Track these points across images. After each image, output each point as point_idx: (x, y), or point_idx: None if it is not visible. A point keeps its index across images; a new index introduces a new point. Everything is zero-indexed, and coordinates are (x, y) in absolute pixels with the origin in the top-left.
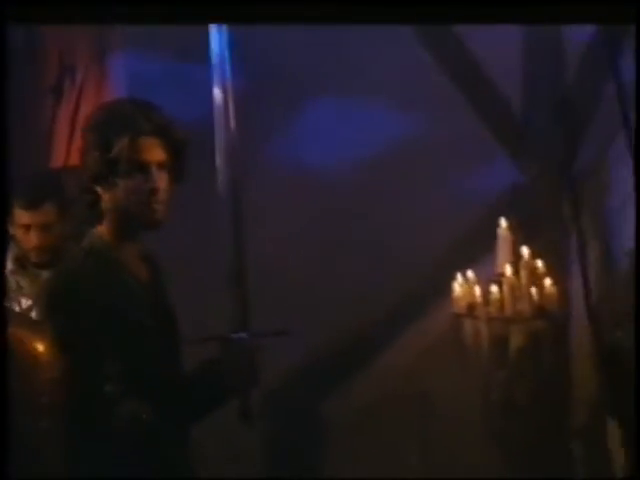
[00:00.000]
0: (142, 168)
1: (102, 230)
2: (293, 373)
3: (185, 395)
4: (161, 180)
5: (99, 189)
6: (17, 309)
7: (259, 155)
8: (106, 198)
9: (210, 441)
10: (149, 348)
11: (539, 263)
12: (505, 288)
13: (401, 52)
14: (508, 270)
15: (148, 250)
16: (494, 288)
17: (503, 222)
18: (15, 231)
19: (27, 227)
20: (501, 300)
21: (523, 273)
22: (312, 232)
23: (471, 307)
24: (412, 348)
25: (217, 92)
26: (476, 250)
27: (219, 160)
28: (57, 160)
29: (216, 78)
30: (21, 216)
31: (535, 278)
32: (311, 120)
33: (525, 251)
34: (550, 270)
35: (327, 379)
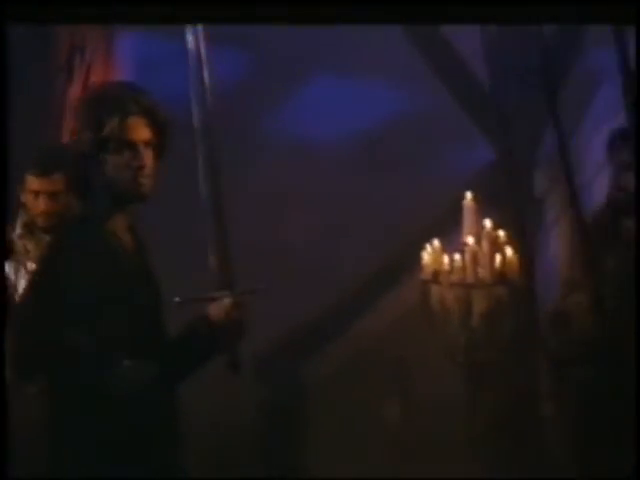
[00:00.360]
0: (130, 146)
1: (93, 202)
2: (277, 337)
3: (175, 352)
4: (147, 157)
5: (90, 166)
6: (23, 272)
7: (257, 129)
8: (97, 173)
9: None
10: (135, 309)
11: (501, 233)
12: (467, 256)
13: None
14: (470, 240)
15: (135, 221)
16: (457, 256)
17: (468, 195)
18: (25, 197)
19: (36, 193)
20: (463, 267)
21: (484, 243)
22: (296, 204)
23: (436, 274)
24: (389, 314)
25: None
26: (448, 223)
27: (197, 137)
28: (67, 135)
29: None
30: (32, 182)
31: (496, 247)
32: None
33: (487, 223)
34: (512, 240)
35: (309, 343)
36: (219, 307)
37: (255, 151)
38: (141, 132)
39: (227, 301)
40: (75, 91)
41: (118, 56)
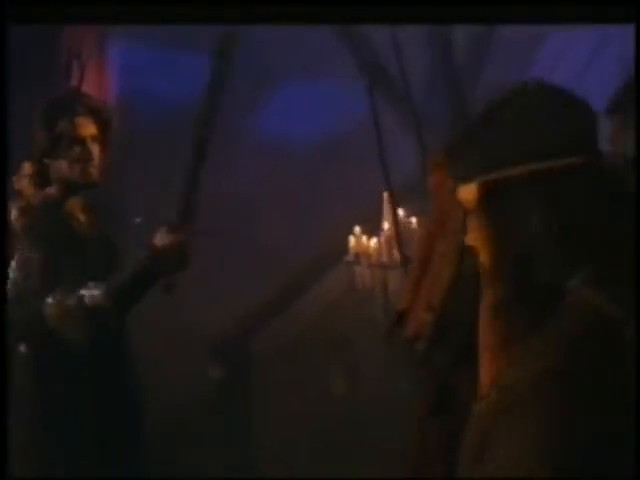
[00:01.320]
0: (79, 141)
1: (51, 190)
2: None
3: (121, 276)
4: (95, 150)
5: (47, 160)
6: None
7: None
8: (53, 166)
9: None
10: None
11: (413, 220)
12: (382, 240)
13: None
14: (386, 225)
15: (89, 202)
16: (374, 240)
17: (385, 194)
18: (20, 183)
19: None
20: (379, 250)
21: (397, 229)
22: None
23: (357, 256)
24: (328, 295)
25: None
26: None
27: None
28: None
29: None
30: (27, 168)
31: (408, 233)
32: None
33: (400, 212)
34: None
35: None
36: (166, 235)
37: (232, 149)
38: (88, 129)
39: (174, 232)
40: None
41: (109, 61)
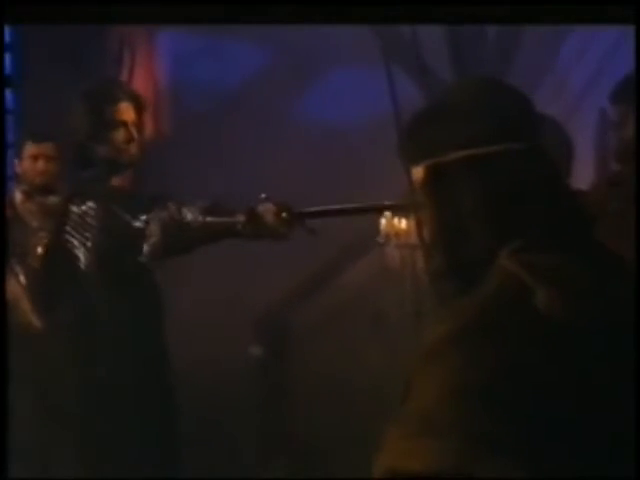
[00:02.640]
0: (122, 125)
1: (95, 170)
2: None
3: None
4: (134, 133)
5: (91, 143)
6: (30, 230)
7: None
8: (98, 149)
9: None
10: None
11: None
12: (411, 222)
13: None
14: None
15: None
16: (404, 222)
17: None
18: (23, 164)
19: (35, 157)
20: (408, 231)
21: None
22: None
23: (388, 236)
24: (363, 273)
25: None
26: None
27: None
28: None
29: None
30: (31, 148)
31: None
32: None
33: None
34: None
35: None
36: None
37: (280, 134)
38: (129, 114)
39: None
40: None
41: (159, 49)
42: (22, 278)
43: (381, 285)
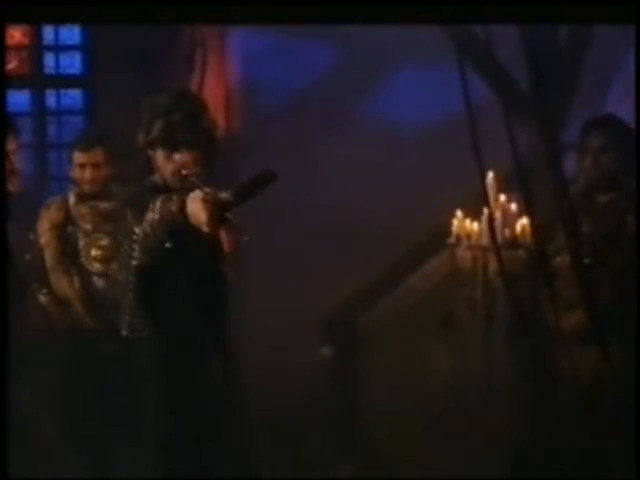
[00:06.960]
0: (174, 145)
1: (155, 177)
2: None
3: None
4: (188, 156)
5: (150, 151)
6: (81, 234)
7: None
8: (156, 157)
9: None
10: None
11: (513, 206)
12: (483, 224)
13: None
14: (485, 211)
15: None
16: (475, 224)
17: (490, 175)
18: (74, 171)
19: (82, 166)
20: (480, 233)
21: (498, 213)
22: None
23: (458, 238)
24: (433, 276)
25: None
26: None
27: None
28: None
29: None
30: (78, 157)
31: (509, 217)
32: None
33: (502, 197)
34: (524, 211)
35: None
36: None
37: (349, 131)
38: (182, 134)
39: None
40: (194, 81)
41: (231, 49)
42: (76, 279)
43: (451, 287)
